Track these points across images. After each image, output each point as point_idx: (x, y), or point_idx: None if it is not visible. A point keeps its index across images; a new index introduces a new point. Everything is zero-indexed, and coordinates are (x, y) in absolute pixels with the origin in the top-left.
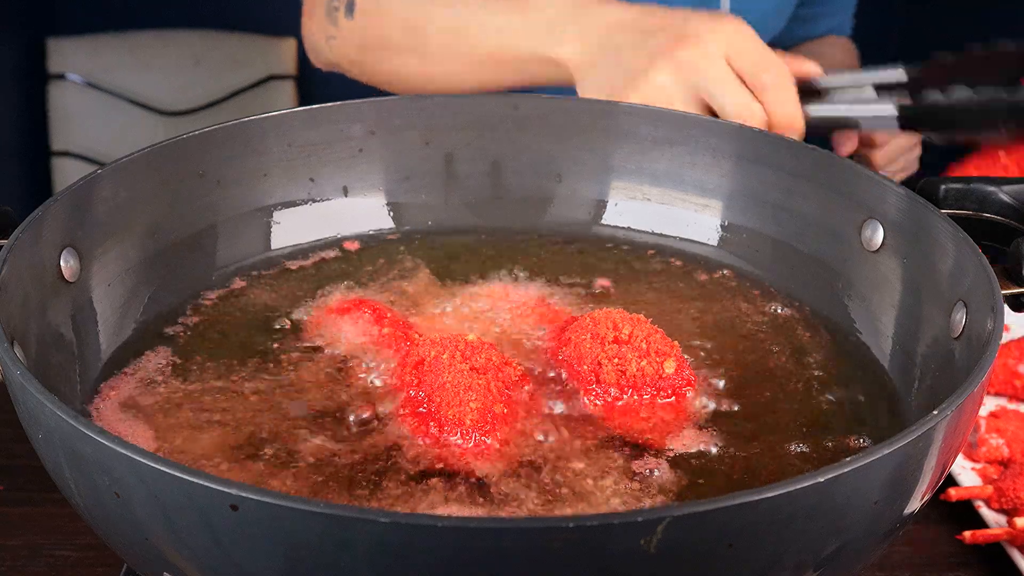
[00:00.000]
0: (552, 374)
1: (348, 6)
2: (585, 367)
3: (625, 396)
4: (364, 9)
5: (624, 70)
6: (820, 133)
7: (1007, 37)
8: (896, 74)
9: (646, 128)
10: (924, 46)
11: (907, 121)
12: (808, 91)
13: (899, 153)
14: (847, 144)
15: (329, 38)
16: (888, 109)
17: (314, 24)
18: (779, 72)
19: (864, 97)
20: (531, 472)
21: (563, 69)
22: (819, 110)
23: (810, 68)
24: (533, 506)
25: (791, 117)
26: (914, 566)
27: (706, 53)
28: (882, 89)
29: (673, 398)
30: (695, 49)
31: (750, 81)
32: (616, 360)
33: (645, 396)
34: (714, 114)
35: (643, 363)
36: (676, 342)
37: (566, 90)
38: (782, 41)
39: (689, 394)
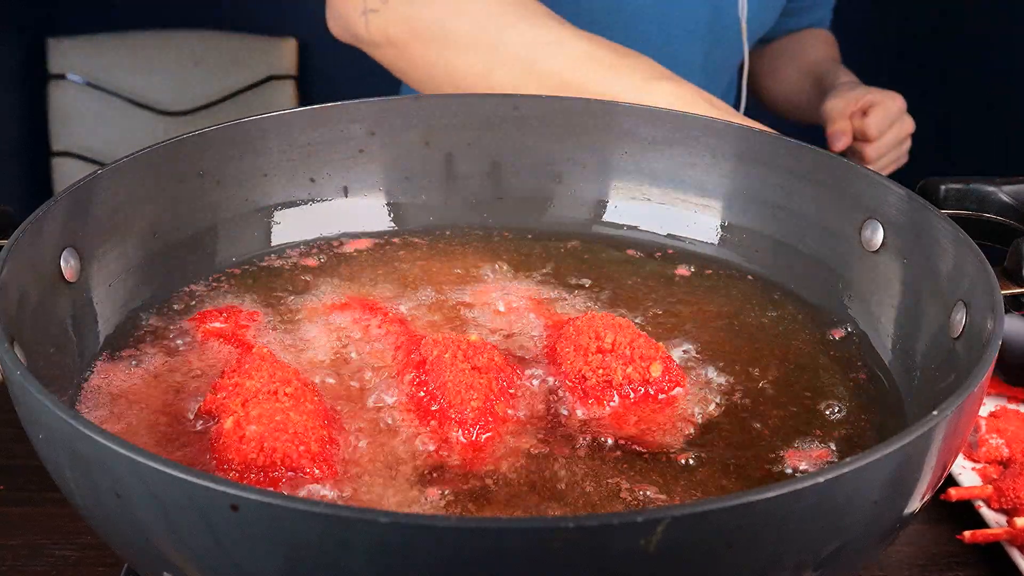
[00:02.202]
0: (549, 377)
1: None
2: (571, 381)
3: (616, 401)
4: None
5: None
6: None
7: (985, 27)
8: None
9: (646, 128)
10: (916, 43)
11: None
12: None
13: (891, 147)
14: (842, 139)
15: (369, 11)
16: None
17: None
18: None
19: None
20: (531, 471)
21: None
22: None
23: None
24: (533, 505)
25: None
26: (914, 566)
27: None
28: None
29: (665, 399)
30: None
31: None
32: (601, 371)
33: (636, 399)
34: None
35: (628, 370)
36: (661, 344)
37: None
38: (768, 35)
39: (684, 394)
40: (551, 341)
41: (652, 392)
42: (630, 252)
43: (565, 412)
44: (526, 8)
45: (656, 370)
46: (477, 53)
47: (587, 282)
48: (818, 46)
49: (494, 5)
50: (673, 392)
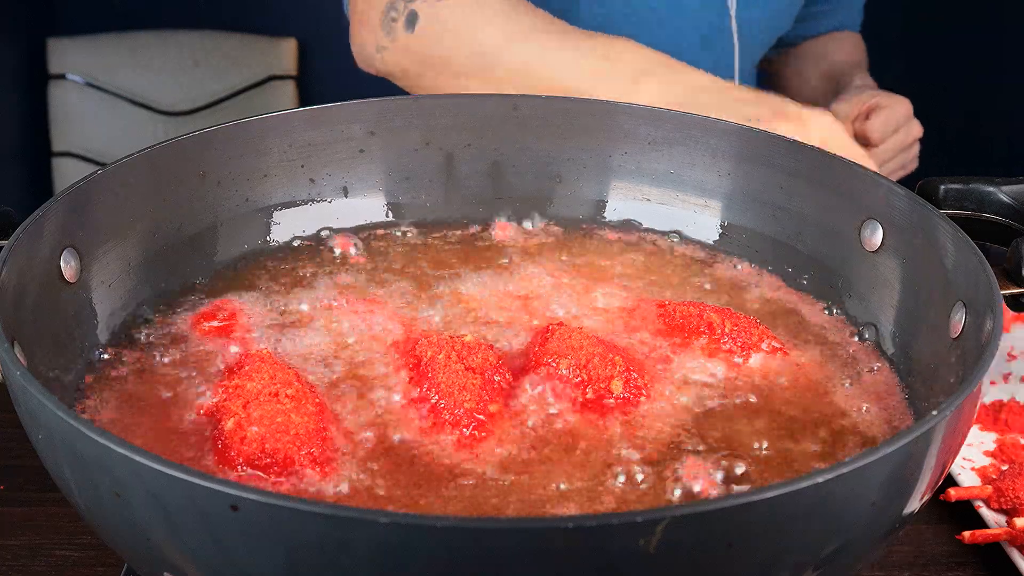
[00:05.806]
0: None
1: (409, 19)
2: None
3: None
4: (427, 27)
5: None
6: None
7: (985, 27)
8: None
9: (646, 128)
10: (924, 40)
11: None
12: None
13: (896, 152)
14: None
15: (381, 48)
16: None
17: (366, 31)
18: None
19: None
20: (527, 470)
21: None
22: None
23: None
24: (529, 504)
25: None
26: (914, 566)
27: (806, 136)
28: None
29: (650, 404)
30: (796, 128)
31: None
32: (565, 400)
33: (617, 407)
34: None
35: (587, 393)
36: (618, 357)
37: None
38: (790, 38)
39: (676, 395)
40: (533, 346)
41: (618, 405)
42: (629, 252)
43: (555, 412)
44: (520, 24)
45: (616, 387)
46: (477, 77)
47: (586, 281)
48: (841, 49)
49: (490, 28)
50: (640, 401)
